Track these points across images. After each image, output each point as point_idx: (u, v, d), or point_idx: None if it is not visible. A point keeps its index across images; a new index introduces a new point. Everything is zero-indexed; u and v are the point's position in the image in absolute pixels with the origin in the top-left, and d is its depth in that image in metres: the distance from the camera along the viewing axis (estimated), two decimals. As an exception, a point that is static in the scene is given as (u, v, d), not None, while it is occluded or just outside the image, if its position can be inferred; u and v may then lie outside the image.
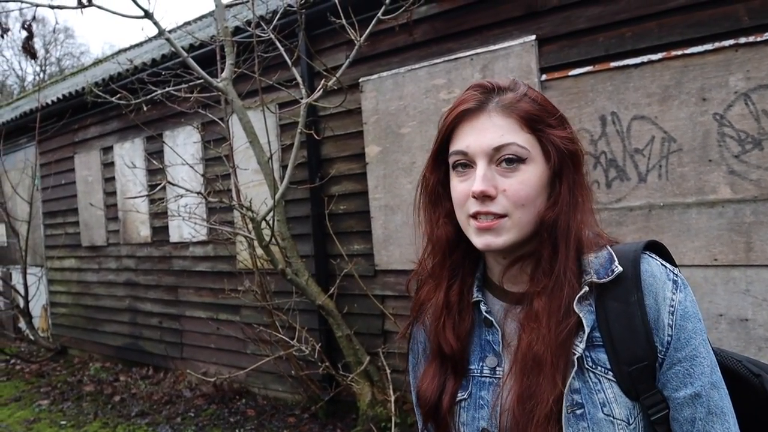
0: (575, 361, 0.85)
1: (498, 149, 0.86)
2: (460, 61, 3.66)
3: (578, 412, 0.84)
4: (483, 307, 0.95)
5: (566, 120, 0.92)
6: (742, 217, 2.76)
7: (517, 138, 0.86)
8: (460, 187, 0.90)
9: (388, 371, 3.97)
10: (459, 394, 0.95)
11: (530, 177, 0.86)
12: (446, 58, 3.72)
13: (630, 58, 3.03)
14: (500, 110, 0.88)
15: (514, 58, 3.42)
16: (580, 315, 0.86)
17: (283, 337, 4.13)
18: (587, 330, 0.85)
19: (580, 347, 0.85)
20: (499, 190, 0.86)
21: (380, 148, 4.10)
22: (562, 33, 3.26)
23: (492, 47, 3.52)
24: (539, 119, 0.88)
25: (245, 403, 5.08)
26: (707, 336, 0.88)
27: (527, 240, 0.90)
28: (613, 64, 3.08)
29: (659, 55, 2.94)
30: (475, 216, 0.88)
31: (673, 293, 0.86)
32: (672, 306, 0.86)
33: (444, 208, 0.96)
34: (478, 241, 0.88)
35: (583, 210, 0.90)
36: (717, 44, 2.79)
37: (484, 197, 0.86)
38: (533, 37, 3.35)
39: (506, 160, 0.86)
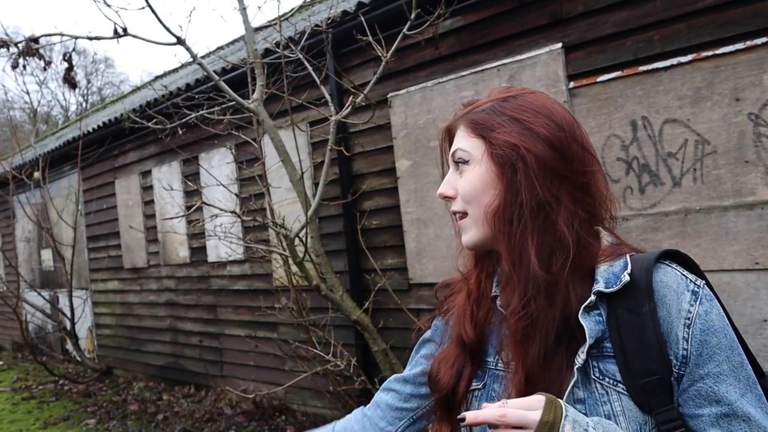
0: (575, 371, 0.84)
1: (453, 155, 0.97)
2: (486, 72, 3.67)
3: None
4: (498, 302, 0.97)
5: (532, 123, 0.91)
6: (783, 218, 2.68)
7: (463, 143, 0.96)
8: None
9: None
10: (474, 383, 0.97)
11: (471, 176, 0.94)
12: (473, 70, 3.74)
13: (659, 62, 2.99)
14: (460, 122, 0.98)
15: (541, 67, 3.41)
16: (584, 325, 0.84)
17: (320, 352, 4.15)
18: (589, 341, 0.84)
19: (581, 357, 0.84)
20: (457, 190, 0.96)
21: (410, 162, 4.11)
22: (588, 39, 3.24)
23: (518, 57, 3.52)
24: (485, 126, 0.93)
25: (285, 420, 5.11)
26: (740, 350, 0.84)
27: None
28: (642, 68, 3.05)
29: (689, 57, 2.89)
30: (453, 215, 0.98)
31: (691, 305, 0.83)
32: (689, 319, 0.83)
33: None
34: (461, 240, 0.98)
35: (547, 212, 0.88)
36: (749, 43, 2.73)
37: (445, 198, 0.98)
38: (559, 44, 3.33)
39: (458, 163, 0.96)
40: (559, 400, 0.78)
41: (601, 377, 0.84)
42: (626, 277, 0.85)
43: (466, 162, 0.94)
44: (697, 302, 0.83)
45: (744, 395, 0.81)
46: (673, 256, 0.89)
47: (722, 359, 0.82)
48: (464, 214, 0.95)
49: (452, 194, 0.96)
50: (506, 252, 0.90)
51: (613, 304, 0.85)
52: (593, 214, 0.92)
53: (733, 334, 0.85)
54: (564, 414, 0.76)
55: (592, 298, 0.85)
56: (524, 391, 0.86)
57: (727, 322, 0.85)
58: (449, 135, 1.00)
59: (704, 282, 0.86)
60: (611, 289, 0.85)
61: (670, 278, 0.85)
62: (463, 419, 0.79)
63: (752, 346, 2.89)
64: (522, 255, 0.88)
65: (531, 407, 0.76)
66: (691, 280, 0.85)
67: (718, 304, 0.85)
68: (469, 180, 0.93)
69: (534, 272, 0.86)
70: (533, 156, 0.88)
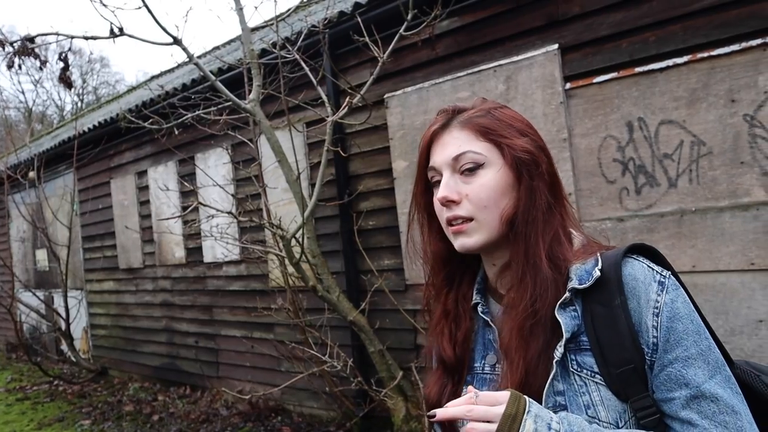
0: (554, 364, 0.88)
1: (457, 158, 0.95)
2: (483, 73, 3.67)
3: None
4: (480, 308, 1.01)
5: (528, 132, 0.97)
6: (778, 219, 2.69)
7: (473, 146, 0.95)
8: (435, 199, 0.98)
9: (422, 386, 3.95)
10: (464, 390, 1.00)
11: (489, 179, 0.94)
12: (469, 71, 3.74)
13: (655, 63, 3.00)
14: (458, 125, 0.97)
15: (537, 68, 3.42)
16: (561, 320, 0.88)
17: (316, 353, 4.15)
18: (565, 335, 0.87)
19: (559, 351, 0.88)
20: (463, 195, 0.94)
21: (407, 162, 4.12)
22: (584, 40, 3.25)
23: (515, 58, 3.52)
24: (494, 131, 0.95)
25: (281, 421, 5.10)
26: (707, 335, 0.88)
27: (502, 241, 0.96)
28: (637, 70, 3.05)
29: (685, 58, 2.90)
30: (449, 222, 0.96)
31: (658, 295, 0.87)
32: (657, 308, 0.87)
33: (435, 226, 1.04)
34: (456, 244, 0.96)
35: (551, 215, 0.94)
36: (744, 44, 2.74)
37: (448, 202, 0.95)
38: (556, 46, 3.34)
39: (467, 167, 0.95)
40: (524, 396, 0.83)
41: (579, 369, 0.88)
42: (597, 273, 0.89)
43: (480, 165, 0.94)
44: (664, 291, 0.88)
45: (712, 377, 0.84)
46: (641, 250, 0.93)
47: (689, 344, 0.86)
48: (468, 219, 0.94)
49: (457, 198, 0.94)
50: (523, 253, 0.93)
51: (588, 300, 0.90)
52: (566, 217, 0.99)
53: (700, 320, 0.88)
54: (527, 409, 0.80)
55: (567, 294, 0.90)
56: (524, 383, 0.90)
57: (693, 309, 0.89)
58: (435, 138, 1.00)
59: (670, 273, 0.90)
60: (584, 285, 0.90)
61: (637, 271, 0.89)
62: (434, 416, 0.83)
63: (748, 347, 2.88)
64: (535, 256, 0.92)
65: (498, 402, 0.81)
66: (657, 272, 0.90)
67: (684, 293, 0.90)
68: (487, 183, 0.94)
69: (546, 271, 0.91)
70: (543, 164, 0.96)
